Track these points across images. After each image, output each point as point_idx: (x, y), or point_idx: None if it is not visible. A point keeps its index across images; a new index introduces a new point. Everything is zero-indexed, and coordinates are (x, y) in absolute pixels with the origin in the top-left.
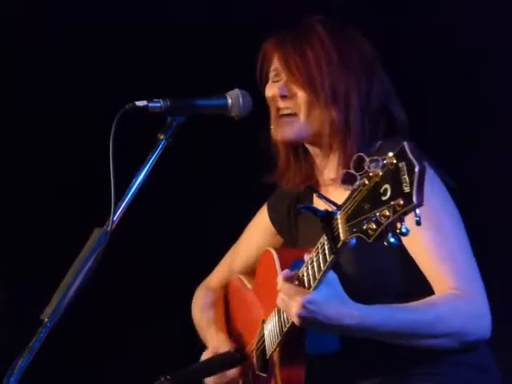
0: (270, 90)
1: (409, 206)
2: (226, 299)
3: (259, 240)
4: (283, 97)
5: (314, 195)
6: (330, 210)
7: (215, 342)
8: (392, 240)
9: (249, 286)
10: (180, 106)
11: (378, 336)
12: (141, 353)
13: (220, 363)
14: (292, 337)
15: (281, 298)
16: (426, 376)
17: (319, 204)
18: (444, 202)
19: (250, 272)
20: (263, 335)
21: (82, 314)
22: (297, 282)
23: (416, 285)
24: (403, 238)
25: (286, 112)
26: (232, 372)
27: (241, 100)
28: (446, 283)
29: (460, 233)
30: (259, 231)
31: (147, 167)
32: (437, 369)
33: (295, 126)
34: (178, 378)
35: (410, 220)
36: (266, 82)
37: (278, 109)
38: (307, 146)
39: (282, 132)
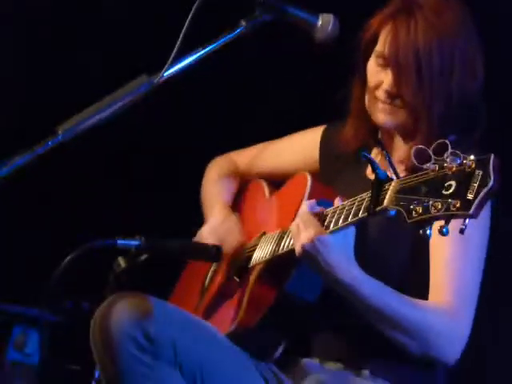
0: (377, 77)
1: (463, 212)
2: (241, 193)
3: (298, 157)
4: (389, 93)
5: (383, 153)
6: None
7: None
8: (428, 232)
9: (267, 194)
10: (272, 4)
11: (357, 303)
12: None
13: (194, 251)
14: (279, 263)
15: (296, 223)
16: (379, 366)
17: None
18: (482, 228)
19: (269, 179)
20: (256, 245)
21: None
22: (317, 218)
23: (412, 285)
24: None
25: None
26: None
27: (330, 26)
28: (444, 295)
29: (480, 260)
30: (303, 148)
31: (216, 45)
32: (392, 368)
33: (397, 118)
34: (150, 243)
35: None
36: (367, 54)
37: (377, 97)
38: None
39: (382, 118)
